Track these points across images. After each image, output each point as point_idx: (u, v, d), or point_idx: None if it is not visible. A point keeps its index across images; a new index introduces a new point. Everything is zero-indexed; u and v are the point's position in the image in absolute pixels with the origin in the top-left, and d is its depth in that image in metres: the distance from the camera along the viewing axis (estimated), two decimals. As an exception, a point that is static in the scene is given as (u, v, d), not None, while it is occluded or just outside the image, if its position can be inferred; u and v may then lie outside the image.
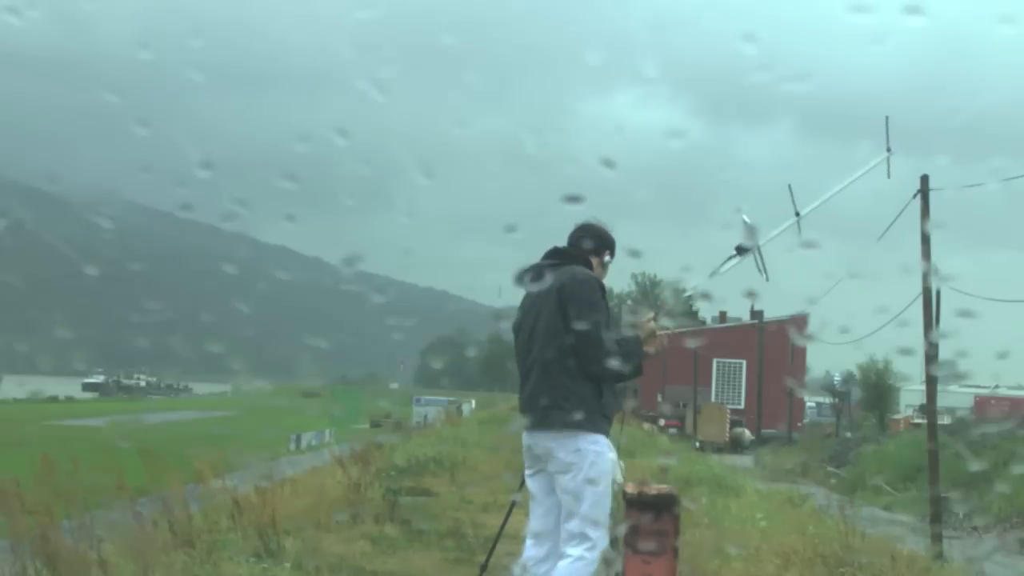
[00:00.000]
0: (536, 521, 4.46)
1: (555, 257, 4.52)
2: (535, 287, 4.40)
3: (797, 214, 4.45)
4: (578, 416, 4.15)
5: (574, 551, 4.21)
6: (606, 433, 4.37)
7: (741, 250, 4.42)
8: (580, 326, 4.17)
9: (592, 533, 4.22)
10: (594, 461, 4.21)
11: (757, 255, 4.28)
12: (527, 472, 4.54)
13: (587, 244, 4.52)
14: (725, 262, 4.48)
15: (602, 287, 4.43)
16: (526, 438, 4.44)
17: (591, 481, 4.21)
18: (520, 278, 4.49)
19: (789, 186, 4.59)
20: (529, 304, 4.51)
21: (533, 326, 4.40)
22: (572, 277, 4.34)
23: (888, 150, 4.48)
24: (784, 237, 4.31)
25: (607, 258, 4.60)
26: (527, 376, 4.43)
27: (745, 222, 4.42)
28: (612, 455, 4.67)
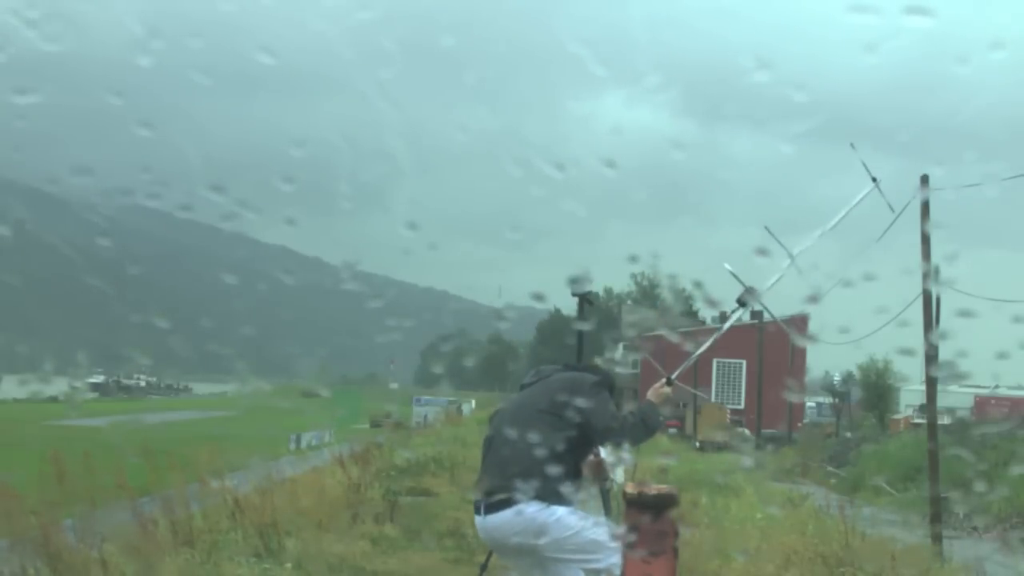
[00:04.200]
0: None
1: (552, 371, 4.65)
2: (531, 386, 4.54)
3: (791, 256, 4.42)
4: (529, 494, 4.16)
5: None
6: (568, 504, 4.34)
7: (742, 303, 4.47)
8: (602, 425, 4.26)
9: (605, 556, 4.28)
10: (560, 525, 4.22)
11: (762, 306, 4.33)
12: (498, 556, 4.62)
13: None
14: (732, 313, 4.56)
15: (602, 381, 4.49)
16: (485, 536, 4.43)
17: (572, 539, 4.23)
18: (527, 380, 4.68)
19: (767, 229, 4.59)
20: (515, 400, 4.67)
21: (510, 415, 4.49)
22: (581, 379, 4.43)
23: (874, 179, 4.45)
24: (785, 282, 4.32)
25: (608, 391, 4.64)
26: (483, 464, 4.48)
27: (731, 273, 4.48)
28: (627, 459, 4.73)
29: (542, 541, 4.21)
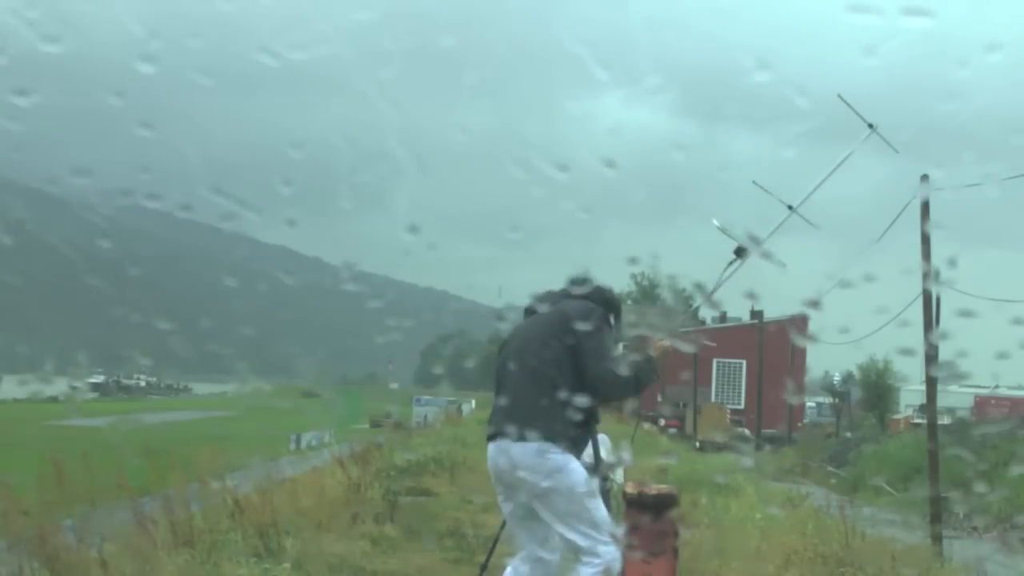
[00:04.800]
0: (522, 544, 4.42)
1: (551, 299, 4.50)
2: (536, 314, 4.43)
3: (790, 207, 4.39)
4: (548, 434, 4.09)
5: (588, 568, 4.17)
6: (577, 453, 4.27)
7: (740, 252, 4.38)
8: (593, 368, 4.13)
9: (599, 538, 4.20)
10: (569, 477, 4.16)
11: (763, 254, 4.23)
12: (500, 499, 4.50)
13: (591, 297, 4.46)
14: (726, 268, 4.45)
15: (607, 319, 4.39)
16: (493, 462, 4.34)
17: (575, 497, 4.16)
18: (527, 313, 4.53)
19: (755, 183, 4.56)
20: (523, 327, 4.52)
21: (521, 345, 4.38)
22: (580, 309, 4.28)
23: (870, 126, 4.40)
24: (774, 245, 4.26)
25: (612, 321, 4.52)
26: (499, 394, 4.40)
27: (720, 229, 4.42)
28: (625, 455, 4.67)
29: (546, 484, 4.11)
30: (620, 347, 4.42)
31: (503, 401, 4.35)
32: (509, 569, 4.40)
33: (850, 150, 4.54)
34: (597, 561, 4.14)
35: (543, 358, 4.23)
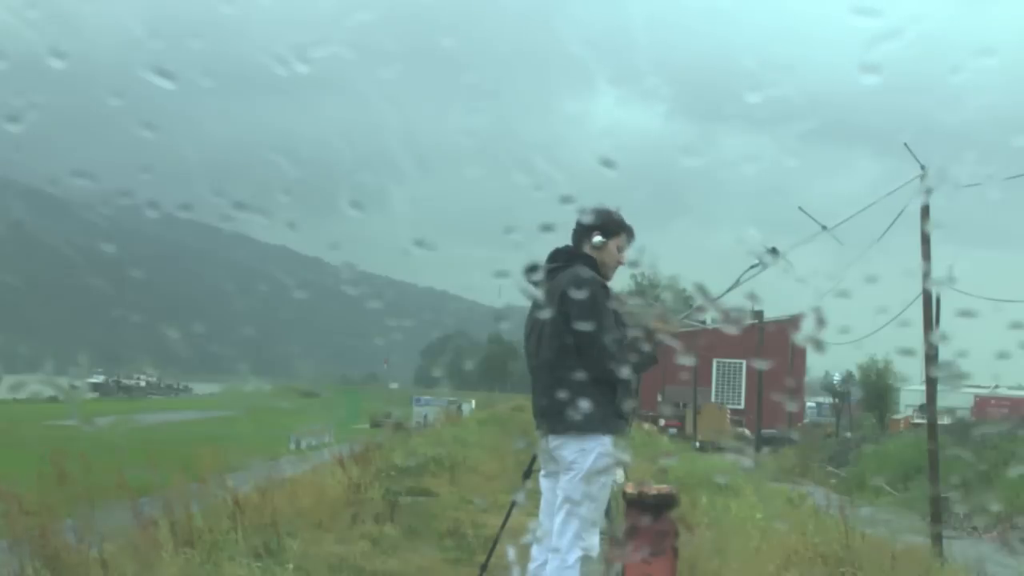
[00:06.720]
0: (546, 523, 4.47)
1: (559, 259, 4.50)
2: (539, 293, 4.42)
3: (824, 227, 4.43)
4: (585, 417, 4.15)
5: (567, 554, 4.21)
6: (620, 431, 4.38)
7: (770, 254, 4.37)
8: (582, 327, 4.18)
9: (585, 535, 4.24)
10: (595, 462, 4.23)
11: (784, 263, 4.23)
12: (542, 473, 4.58)
13: (591, 237, 4.51)
14: (747, 271, 4.45)
15: (604, 286, 4.42)
16: (541, 441, 4.49)
17: (589, 481, 4.22)
18: (526, 277, 4.48)
19: (801, 208, 4.61)
20: (535, 310, 4.54)
21: (540, 332, 4.44)
22: (573, 280, 4.32)
23: (922, 167, 4.43)
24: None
25: (622, 241, 4.56)
26: (536, 381, 4.47)
27: (756, 239, 4.42)
28: (624, 456, 4.75)
29: (580, 460, 4.28)
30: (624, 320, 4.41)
31: (533, 397, 4.53)
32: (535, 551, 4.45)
33: (899, 185, 4.57)
34: (577, 553, 4.21)
35: (555, 349, 4.30)
